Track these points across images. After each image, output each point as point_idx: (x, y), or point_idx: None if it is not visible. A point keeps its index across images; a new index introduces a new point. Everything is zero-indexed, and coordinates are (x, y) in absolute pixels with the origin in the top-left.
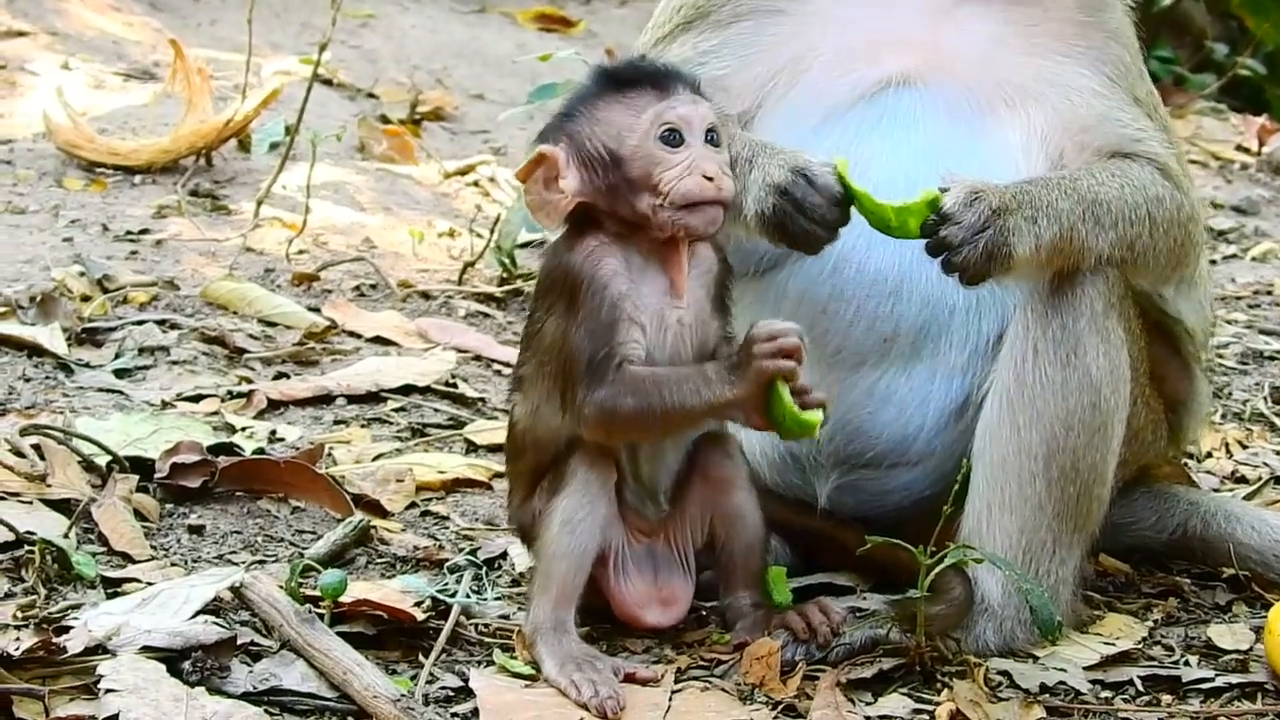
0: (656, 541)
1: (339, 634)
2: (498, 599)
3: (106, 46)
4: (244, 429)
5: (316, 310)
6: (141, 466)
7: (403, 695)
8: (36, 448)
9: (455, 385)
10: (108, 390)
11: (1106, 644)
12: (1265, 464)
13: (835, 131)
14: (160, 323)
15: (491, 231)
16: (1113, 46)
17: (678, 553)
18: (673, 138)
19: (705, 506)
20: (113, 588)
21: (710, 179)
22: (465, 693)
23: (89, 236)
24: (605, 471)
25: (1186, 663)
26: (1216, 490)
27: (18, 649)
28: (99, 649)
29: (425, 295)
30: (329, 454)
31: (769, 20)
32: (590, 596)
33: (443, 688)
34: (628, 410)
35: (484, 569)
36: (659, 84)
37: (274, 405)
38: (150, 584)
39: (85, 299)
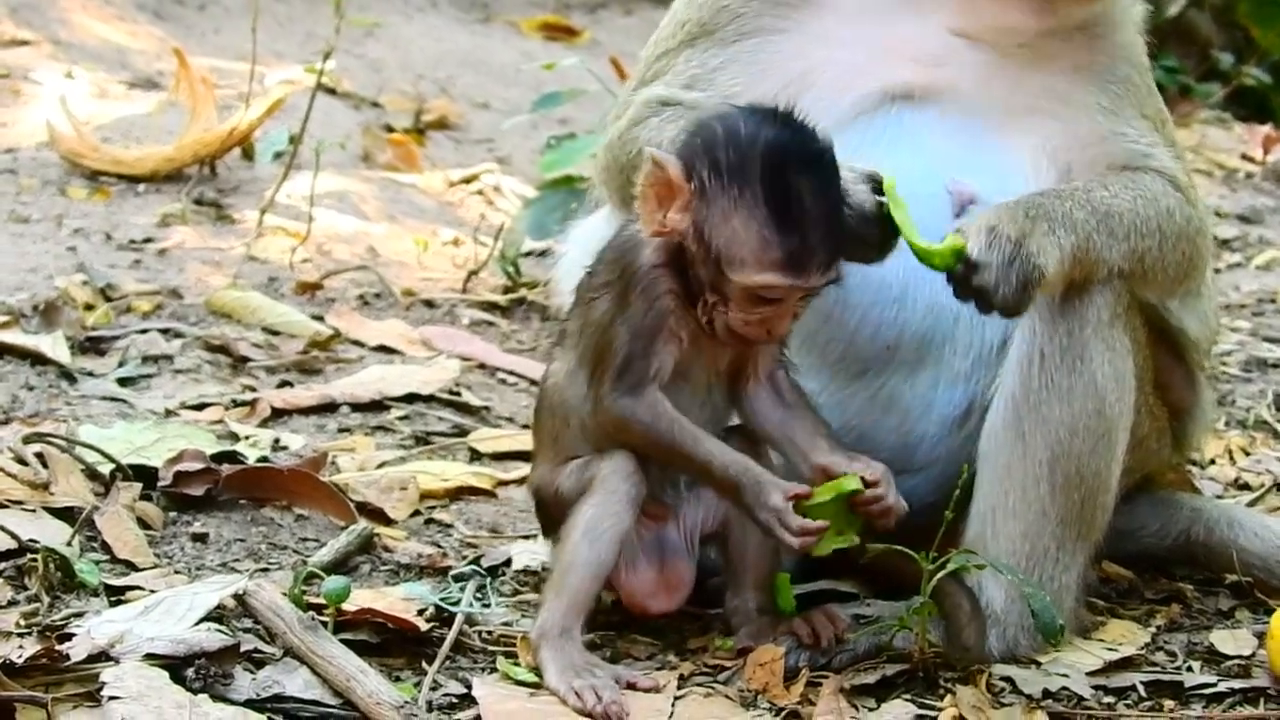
0: (665, 525)
1: (342, 641)
2: (501, 607)
3: (110, 55)
4: (247, 437)
5: (320, 319)
6: (145, 474)
7: (406, 702)
8: (40, 456)
9: (459, 393)
10: (111, 399)
11: (1109, 649)
12: (1268, 471)
13: (837, 145)
14: (164, 331)
15: (496, 240)
16: (1120, 64)
17: (685, 537)
18: (770, 299)
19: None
20: (116, 595)
21: (769, 334)
22: (468, 700)
23: (92, 245)
24: (635, 485)
25: (1189, 668)
26: (1220, 497)
27: (21, 657)
28: (102, 656)
29: (429, 304)
30: (333, 462)
31: (773, 38)
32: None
33: (446, 695)
34: (636, 434)
35: (488, 577)
36: (801, 249)
37: (278, 413)
38: (153, 592)
39: (89, 308)
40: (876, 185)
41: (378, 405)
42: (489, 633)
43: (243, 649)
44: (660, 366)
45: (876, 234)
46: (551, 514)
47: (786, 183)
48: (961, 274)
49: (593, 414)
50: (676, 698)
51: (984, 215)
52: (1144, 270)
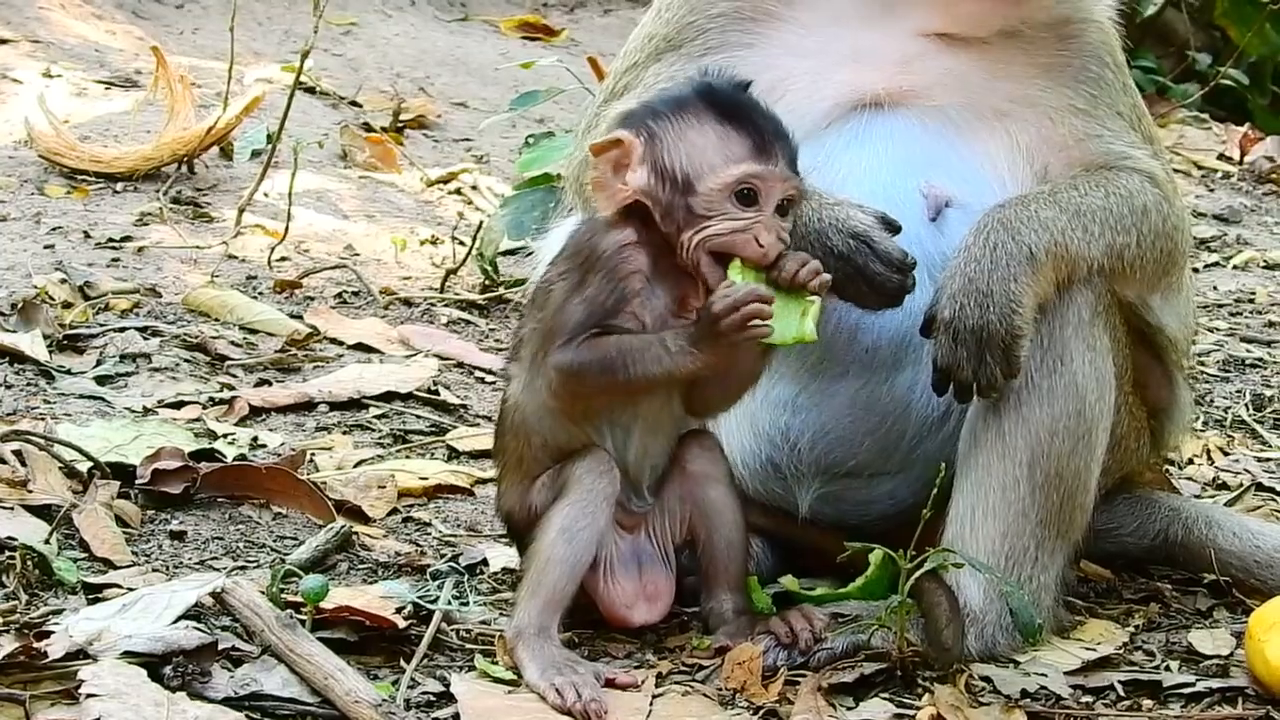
0: (638, 535)
1: (320, 639)
2: (479, 605)
3: (89, 54)
4: (226, 435)
5: (298, 317)
6: (123, 472)
7: (384, 700)
8: (18, 454)
9: (437, 392)
10: (89, 397)
11: (1088, 649)
12: (1246, 470)
13: (810, 152)
14: (142, 329)
15: (473, 239)
16: (1093, 64)
17: (659, 547)
18: (748, 196)
19: (684, 500)
20: (94, 593)
21: (761, 245)
22: (447, 698)
23: (71, 244)
24: (610, 482)
25: (1167, 668)
26: (1198, 496)
27: None
28: (80, 654)
29: (407, 302)
30: (311, 460)
31: (740, 52)
32: (575, 597)
33: (424, 693)
34: (591, 375)
35: (465, 575)
36: (761, 140)
37: (256, 412)
38: (131, 589)
39: (67, 306)
40: (894, 228)
41: (356, 403)
42: (467, 631)
43: (220, 647)
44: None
45: (898, 281)
46: (526, 534)
47: (726, 97)
48: (937, 382)
49: (547, 394)
50: (655, 696)
51: (945, 303)
52: (1124, 266)
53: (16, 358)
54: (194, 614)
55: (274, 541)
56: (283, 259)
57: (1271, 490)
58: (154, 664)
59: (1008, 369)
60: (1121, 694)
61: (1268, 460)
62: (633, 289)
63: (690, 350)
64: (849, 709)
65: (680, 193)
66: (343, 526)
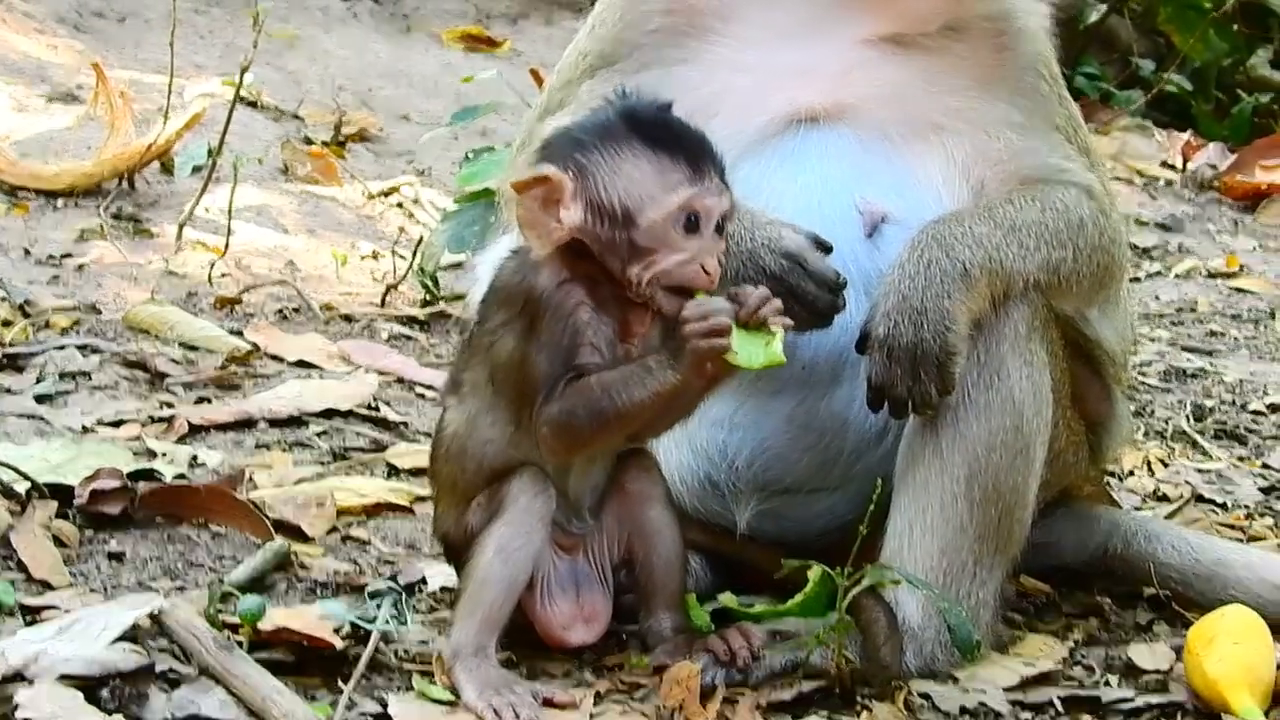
0: (576, 557)
1: (258, 661)
2: (418, 625)
3: (30, 69)
4: (165, 454)
5: (239, 334)
6: (61, 493)
7: None
8: None
9: (377, 409)
10: (28, 416)
11: (1027, 665)
12: (1187, 482)
13: (746, 168)
14: (81, 348)
15: (414, 254)
16: (1028, 76)
17: (596, 568)
18: (691, 224)
19: (623, 521)
20: (31, 615)
21: (707, 273)
22: (385, 719)
23: (10, 261)
24: (545, 501)
25: (1107, 683)
26: (1138, 509)
27: None
28: (16, 677)
29: (348, 318)
30: (250, 479)
31: (675, 68)
32: (512, 618)
33: (362, 714)
34: (582, 421)
35: (404, 594)
36: (695, 162)
37: (195, 430)
38: (69, 611)
39: (6, 324)
40: (825, 248)
41: (296, 421)
42: (405, 651)
43: (158, 669)
44: (579, 370)
45: (829, 300)
46: (463, 554)
47: (653, 121)
48: (871, 400)
49: (538, 450)
50: (593, 715)
51: (878, 321)
52: (1060, 281)
53: None
54: (131, 636)
55: (213, 561)
56: (223, 275)
57: (1211, 502)
58: (91, 686)
59: (942, 386)
60: (1060, 710)
61: (1208, 472)
62: (583, 321)
63: (671, 365)
64: None
65: (621, 227)
66: (281, 545)
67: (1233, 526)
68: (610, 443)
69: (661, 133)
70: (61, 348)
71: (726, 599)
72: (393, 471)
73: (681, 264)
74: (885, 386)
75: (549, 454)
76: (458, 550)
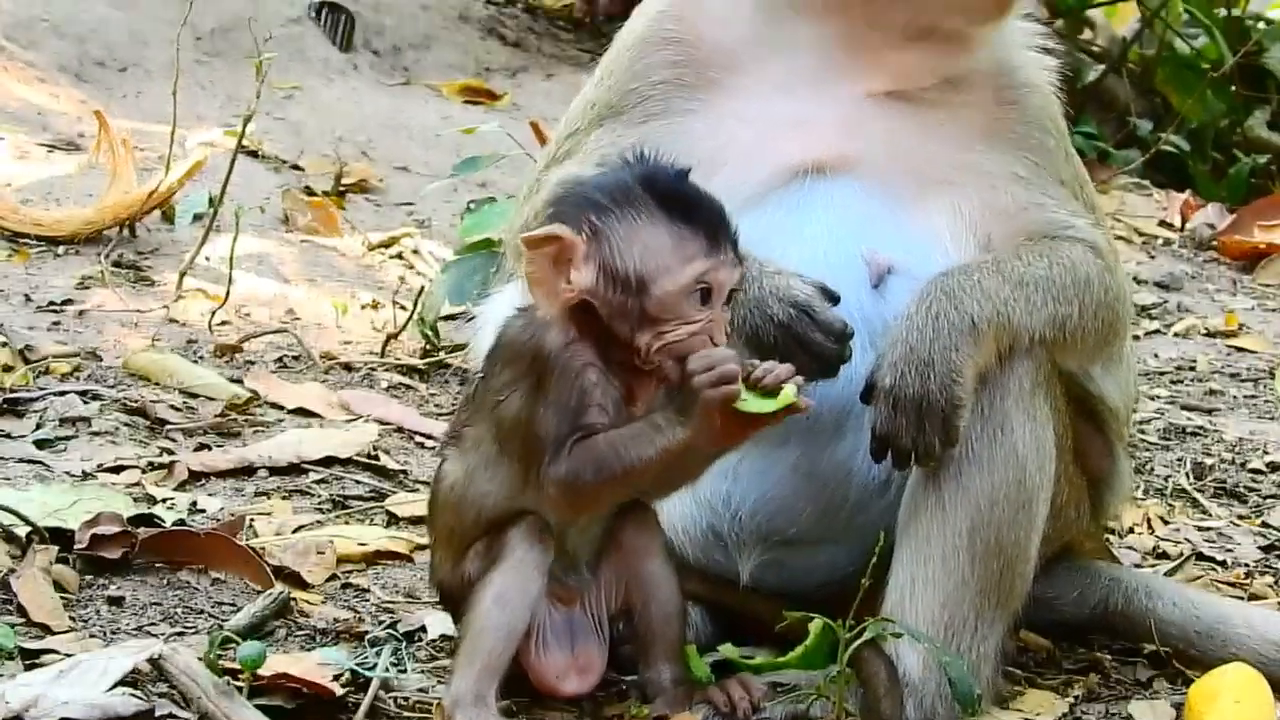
0: (573, 608)
1: (258, 707)
2: (417, 673)
3: (31, 117)
4: (165, 500)
5: (239, 381)
6: (61, 537)
7: None
8: None
9: (377, 457)
10: (28, 461)
11: (1027, 719)
12: (1187, 540)
13: (752, 219)
14: (82, 394)
15: (414, 304)
16: (1034, 131)
17: (593, 619)
18: (705, 297)
19: (620, 573)
20: (31, 659)
21: (715, 344)
22: None
23: (11, 307)
24: (544, 550)
25: None
26: (1138, 566)
27: None
28: None
29: (348, 367)
30: (250, 525)
31: (681, 119)
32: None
33: None
34: (590, 480)
35: (403, 642)
36: (712, 234)
37: (195, 476)
38: (68, 655)
39: (7, 369)
40: (833, 298)
41: (295, 468)
42: (405, 699)
43: (157, 714)
44: (586, 429)
45: (836, 350)
46: (460, 603)
47: (671, 189)
48: (875, 450)
49: (545, 507)
50: None
51: (883, 372)
52: (1066, 337)
53: None
54: (131, 680)
55: (212, 607)
56: (224, 323)
57: (1211, 560)
58: None
59: (946, 438)
60: None
61: (1208, 529)
62: (591, 381)
63: (679, 421)
64: None
65: (634, 295)
66: (281, 592)
67: (1233, 584)
68: (619, 500)
69: (680, 202)
70: (62, 393)
71: (727, 650)
72: (392, 520)
73: (692, 334)
74: (890, 437)
75: (557, 513)
76: (454, 599)
